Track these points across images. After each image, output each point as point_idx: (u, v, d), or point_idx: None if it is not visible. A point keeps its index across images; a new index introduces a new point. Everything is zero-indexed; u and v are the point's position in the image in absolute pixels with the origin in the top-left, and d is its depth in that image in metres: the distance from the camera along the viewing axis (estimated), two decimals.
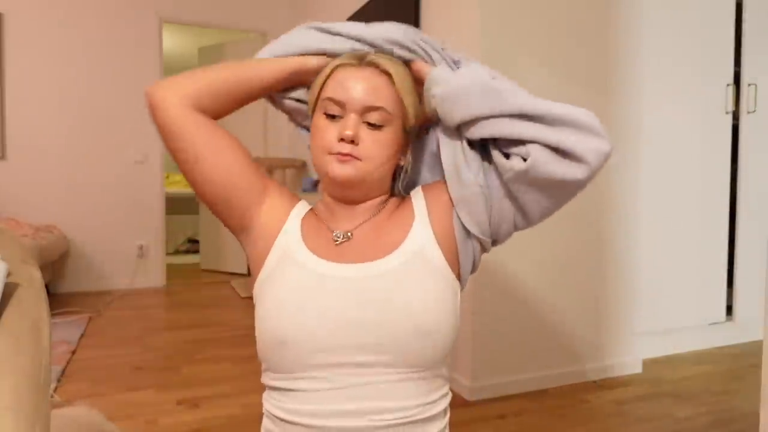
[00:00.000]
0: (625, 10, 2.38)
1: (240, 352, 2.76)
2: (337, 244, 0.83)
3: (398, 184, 0.91)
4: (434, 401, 0.79)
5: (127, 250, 4.38)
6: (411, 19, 2.57)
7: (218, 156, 0.83)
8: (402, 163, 0.89)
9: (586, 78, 2.31)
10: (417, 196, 0.88)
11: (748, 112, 2.83)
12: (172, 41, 6.09)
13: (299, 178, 4.53)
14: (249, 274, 4.02)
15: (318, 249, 0.82)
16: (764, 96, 2.84)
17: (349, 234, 0.84)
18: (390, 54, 0.86)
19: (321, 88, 0.84)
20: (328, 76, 0.84)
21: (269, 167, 4.15)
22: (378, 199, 0.88)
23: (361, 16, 3.20)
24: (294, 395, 0.76)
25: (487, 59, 2.13)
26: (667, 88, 2.64)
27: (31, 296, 0.66)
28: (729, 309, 2.89)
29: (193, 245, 6.62)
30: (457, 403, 2.09)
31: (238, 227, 0.87)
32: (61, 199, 4.16)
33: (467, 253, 0.84)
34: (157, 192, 4.47)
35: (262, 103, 4.85)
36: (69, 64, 4.15)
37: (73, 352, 2.72)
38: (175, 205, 6.44)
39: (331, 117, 0.82)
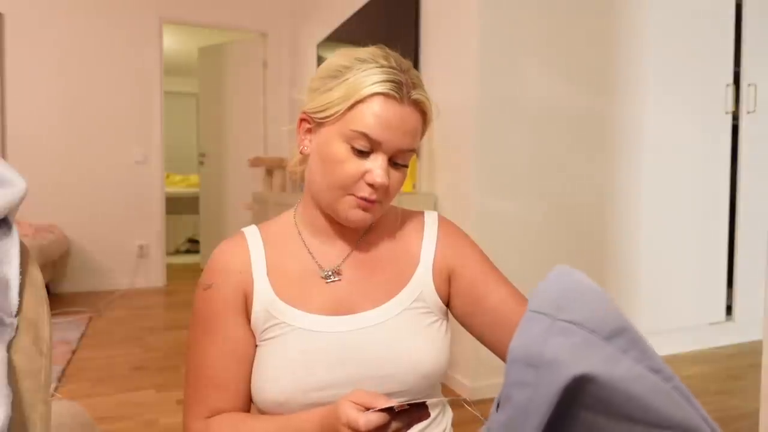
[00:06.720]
0: (626, 11, 2.38)
1: None
2: (327, 283, 0.77)
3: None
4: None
5: (127, 250, 4.38)
6: (411, 20, 2.57)
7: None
8: None
9: (587, 78, 2.31)
10: (429, 234, 0.83)
11: (748, 112, 2.83)
12: (172, 41, 6.09)
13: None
14: None
15: (300, 299, 0.76)
16: (764, 96, 2.84)
17: (338, 270, 0.78)
18: None
19: (350, 109, 0.71)
20: (361, 101, 0.70)
21: (269, 167, 4.15)
22: None
23: (361, 17, 3.20)
24: None
25: (487, 59, 2.13)
26: (668, 88, 2.63)
27: (32, 296, 0.66)
28: (729, 309, 2.89)
29: (193, 245, 6.62)
30: (457, 403, 2.09)
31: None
32: (61, 199, 4.16)
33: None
34: (157, 192, 4.47)
35: (261, 103, 4.85)
36: (69, 64, 4.15)
37: (73, 352, 2.72)
38: (175, 205, 6.43)
39: (358, 152, 0.72)
